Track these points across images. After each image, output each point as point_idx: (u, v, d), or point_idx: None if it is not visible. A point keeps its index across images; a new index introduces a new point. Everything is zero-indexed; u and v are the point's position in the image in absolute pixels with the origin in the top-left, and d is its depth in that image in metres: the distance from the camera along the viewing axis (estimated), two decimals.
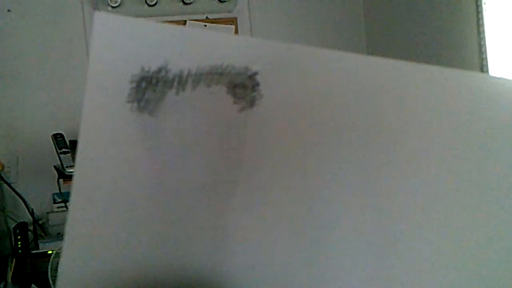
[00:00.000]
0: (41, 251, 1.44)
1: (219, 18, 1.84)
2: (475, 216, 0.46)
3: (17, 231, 1.44)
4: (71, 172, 1.36)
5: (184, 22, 1.80)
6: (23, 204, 1.60)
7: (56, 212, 1.61)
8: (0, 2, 1.66)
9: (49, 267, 1.23)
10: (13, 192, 1.59)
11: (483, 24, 1.33)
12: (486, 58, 1.33)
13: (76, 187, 0.38)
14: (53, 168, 1.52)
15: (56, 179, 1.51)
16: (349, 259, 0.43)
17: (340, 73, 0.43)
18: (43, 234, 1.59)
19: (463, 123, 0.46)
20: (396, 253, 0.44)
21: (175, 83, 0.39)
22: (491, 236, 0.46)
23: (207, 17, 1.83)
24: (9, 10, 1.68)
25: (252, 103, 0.41)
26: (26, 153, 1.67)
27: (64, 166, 1.39)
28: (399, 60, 0.44)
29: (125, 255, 0.40)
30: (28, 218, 1.58)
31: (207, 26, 1.81)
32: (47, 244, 1.46)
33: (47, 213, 1.62)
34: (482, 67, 1.34)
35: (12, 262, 1.38)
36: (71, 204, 0.38)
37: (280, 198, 0.42)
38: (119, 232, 0.39)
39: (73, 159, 0.81)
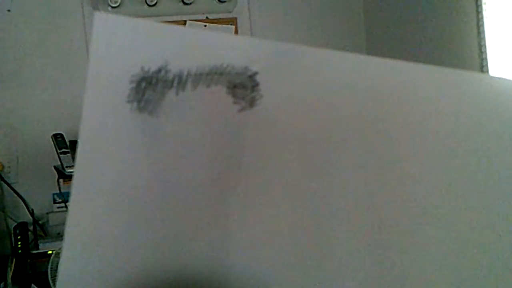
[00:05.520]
0: (41, 251, 1.44)
1: (219, 18, 1.84)
2: (476, 216, 0.46)
3: (17, 231, 1.45)
4: (71, 172, 1.36)
5: (184, 22, 1.80)
6: (23, 204, 1.60)
7: (56, 212, 1.61)
8: (0, 2, 1.66)
9: (49, 267, 1.23)
10: (13, 192, 1.59)
11: (483, 24, 1.33)
12: (486, 58, 1.34)
13: (76, 187, 0.38)
14: (53, 168, 1.53)
15: (56, 179, 1.52)
16: (349, 259, 0.43)
17: (340, 73, 0.43)
18: (43, 234, 1.59)
19: (463, 123, 0.46)
20: (397, 253, 0.44)
21: (175, 83, 0.39)
22: (491, 236, 0.46)
23: (207, 17, 1.83)
24: (9, 10, 1.68)
25: (252, 103, 0.41)
26: (26, 153, 1.67)
27: (64, 166, 1.40)
28: (399, 60, 0.44)
29: (125, 255, 0.40)
30: (28, 218, 1.58)
31: (207, 26, 1.81)
32: (47, 244, 1.46)
33: (47, 213, 1.62)
34: (482, 67, 1.34)
35: (12, 262, 1.39)
36: (71, 204, 0.38)
37: (280, 198, 0.42)
38: (119, 232, 0.39)
39: (73, 159, 0.81)
